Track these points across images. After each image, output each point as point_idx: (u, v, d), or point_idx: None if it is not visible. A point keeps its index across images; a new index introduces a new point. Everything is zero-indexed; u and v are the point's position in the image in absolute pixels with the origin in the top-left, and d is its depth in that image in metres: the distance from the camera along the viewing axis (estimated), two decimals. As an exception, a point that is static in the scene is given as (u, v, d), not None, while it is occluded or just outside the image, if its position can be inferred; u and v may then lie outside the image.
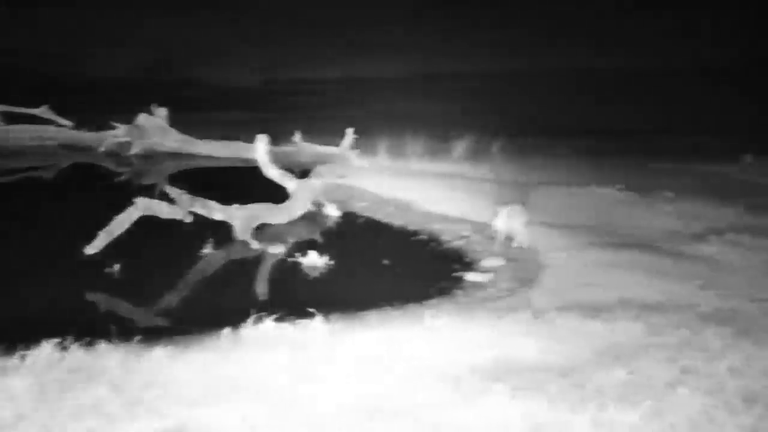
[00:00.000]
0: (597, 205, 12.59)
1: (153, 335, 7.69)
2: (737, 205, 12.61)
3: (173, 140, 16.92)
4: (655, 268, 9.61)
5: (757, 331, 7.27)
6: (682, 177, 15.68)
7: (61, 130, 17.43)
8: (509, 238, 10.57)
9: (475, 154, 17.16)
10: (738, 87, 27.39)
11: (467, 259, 10.72)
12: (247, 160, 15.88)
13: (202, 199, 11.55)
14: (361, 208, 13.32)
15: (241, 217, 11.64)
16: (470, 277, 9.89)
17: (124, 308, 9.10)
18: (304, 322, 7.37)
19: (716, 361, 6.38)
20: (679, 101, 26.49)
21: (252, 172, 13.59)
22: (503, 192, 13.87)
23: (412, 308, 8.71)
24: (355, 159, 15.63)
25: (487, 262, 10.43)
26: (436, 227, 12.15)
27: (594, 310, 7.98)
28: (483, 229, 11.86)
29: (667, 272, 9.44)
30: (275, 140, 16.18)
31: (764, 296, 8.64)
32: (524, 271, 10.02)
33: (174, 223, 11.12)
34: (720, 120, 23.97)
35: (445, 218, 12.49)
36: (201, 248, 10.83)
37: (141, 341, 6.77)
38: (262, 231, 11.97)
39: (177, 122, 17.40)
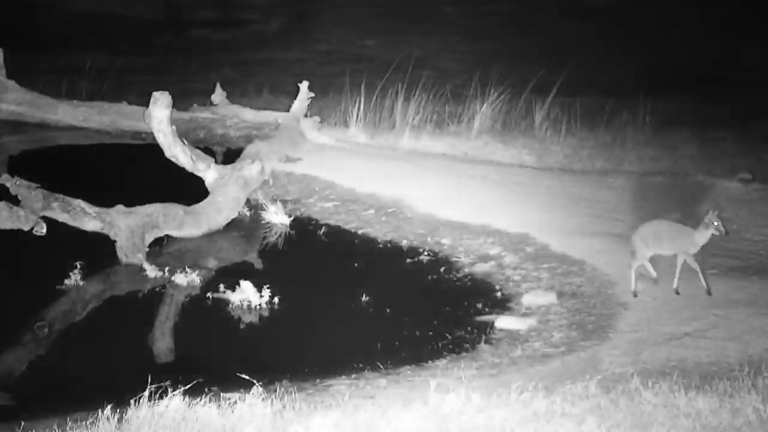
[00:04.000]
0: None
1: (-16, 421, 7.62)
2: None
3: (13, 100, 16.79)
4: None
5: None
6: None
7: None
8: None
9: (506, 125, 17.17)
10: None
11: (497, 294, 10.74)
12: (136, 134, 15.80)
13: (63, 196, 11.46)
14: (324, 210, 13.27)
15: (127, 227, 11.57)
16: (502, 322, 9.90)
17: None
18: (232, 397, 7.33)
19: None
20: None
21: (145, 152, 13.47)
22: (553, 185, 13.84)
23: (409, 374, 8.71)
24: (313, 131, 15.60)
25: (530, 299, 10.44)
26: (445, 242, 12.17)
27: (703, 378, 8.00)
28: (522, 244, 11.92)
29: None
30: (182, 100, 16.13)
31: None
32: (589, 312, 10.04)
33: (17, 236, 11.03)
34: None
35: (459, 227, 12.51)
36: (63, 278, 10.76)
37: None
38: (162, 248, 11.92)
39: (19, 71, 17.22)
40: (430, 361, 9.09)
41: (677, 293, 10.13)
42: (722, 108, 19.83)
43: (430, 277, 11.28)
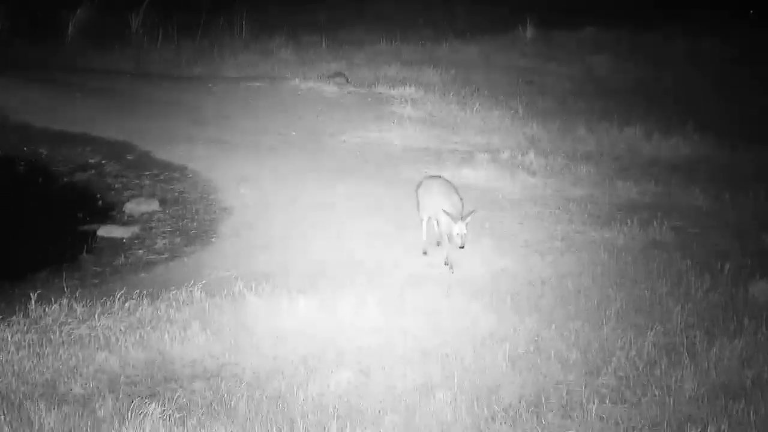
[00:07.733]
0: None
1: None
2: None
3: None
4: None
5: None
6: None
7: None
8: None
9: (102, 32, 16.83)
10: None
11: (98, 203, 10.57)
12: None
13: None
14: None
15: None
16: (104, 231, 9.73)
17: None
18: None
19: None
20: None
21: None
22: (152, 92, 13.69)
23: (8, 287, 8.36)
24: None
25: (132, 206, 10.31)
26: (43, 151, 11.84)
27: (308, 278, 8.25)
28: (122, 152, 11.75)
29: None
30: None
31: None
32: (192, 218, 10.04)
33: None
34: None
35: (57, 136, 12.18)
36: None
37: None
38: None
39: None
40: (30, 273, 8.75)
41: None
42: (314, 15, 20.46)
43: (27, 188, 10.92)
